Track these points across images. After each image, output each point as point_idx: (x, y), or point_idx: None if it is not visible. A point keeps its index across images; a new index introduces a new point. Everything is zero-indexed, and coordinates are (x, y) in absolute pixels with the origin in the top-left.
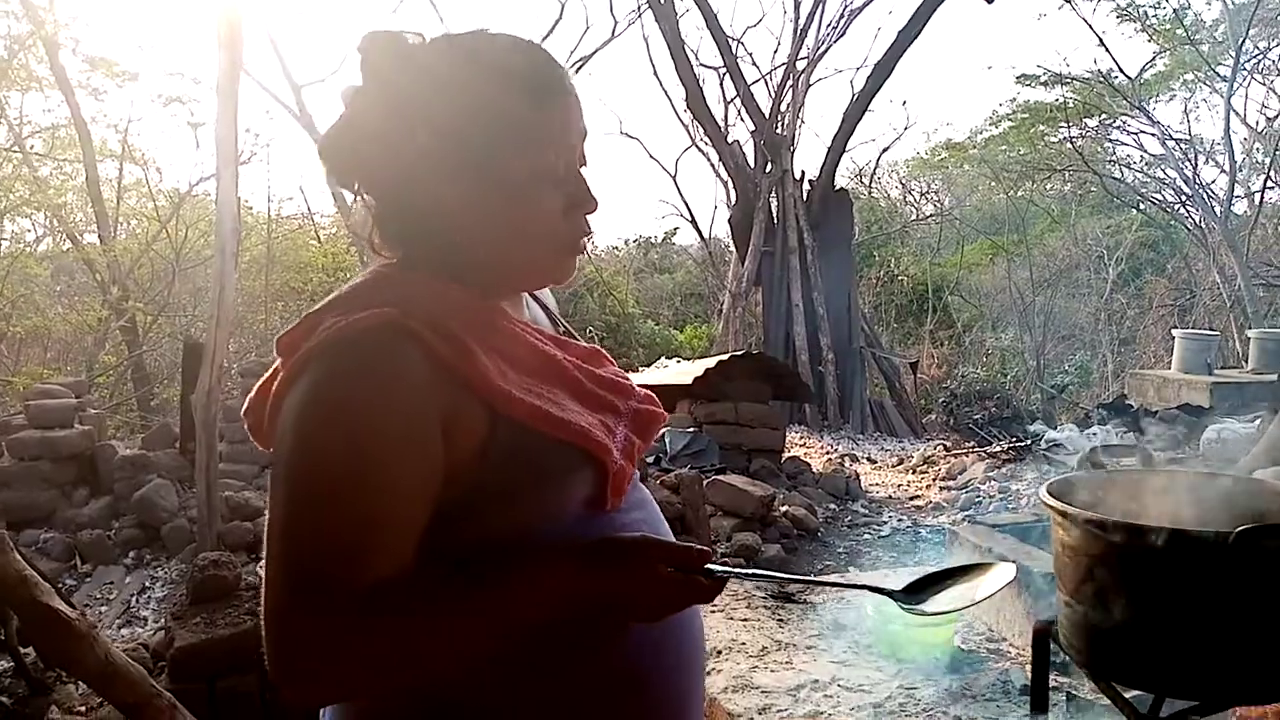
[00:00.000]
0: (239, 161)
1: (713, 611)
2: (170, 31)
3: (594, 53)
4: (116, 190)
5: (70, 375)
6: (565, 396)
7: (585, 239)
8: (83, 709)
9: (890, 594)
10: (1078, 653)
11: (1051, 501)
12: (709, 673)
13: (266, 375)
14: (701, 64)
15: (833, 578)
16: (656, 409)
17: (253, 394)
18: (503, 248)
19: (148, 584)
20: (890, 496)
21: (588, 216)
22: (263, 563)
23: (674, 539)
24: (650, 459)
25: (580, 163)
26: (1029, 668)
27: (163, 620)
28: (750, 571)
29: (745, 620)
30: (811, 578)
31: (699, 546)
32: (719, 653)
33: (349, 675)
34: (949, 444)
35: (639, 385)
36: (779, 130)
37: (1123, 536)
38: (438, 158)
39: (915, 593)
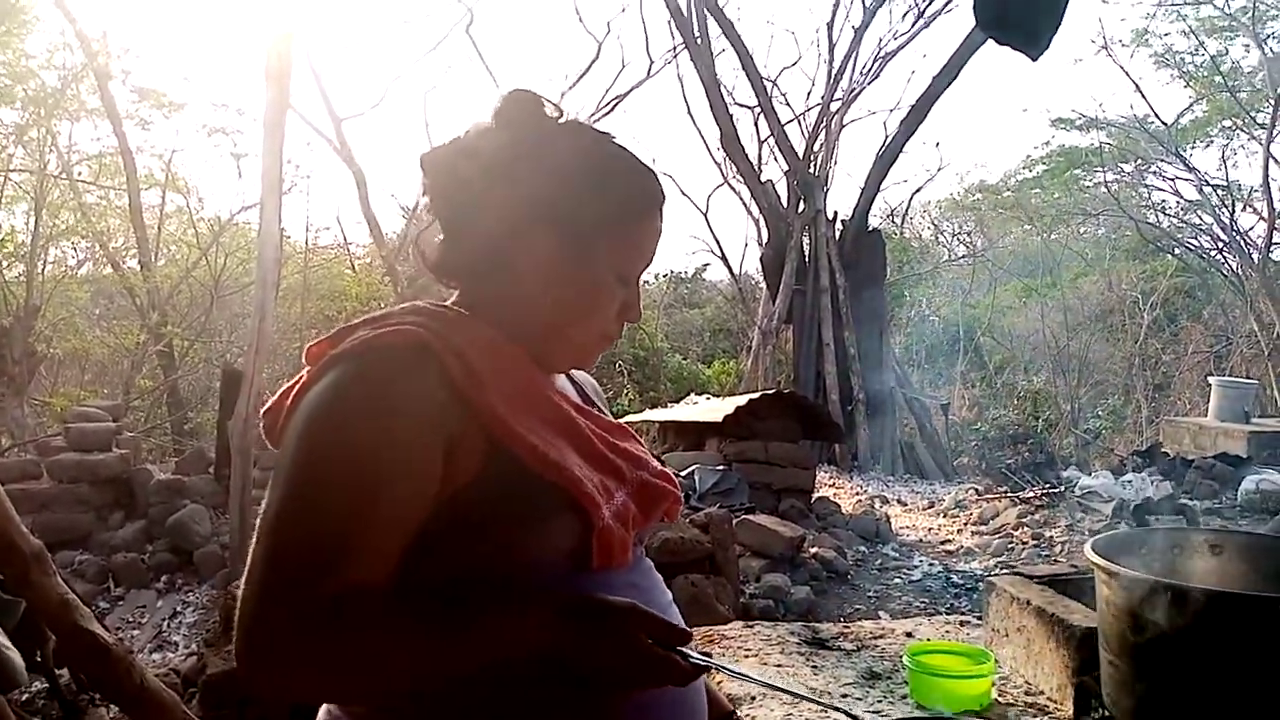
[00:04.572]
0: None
1: (746, 657)
2: (217, 63)
3: (629, 91)
4: (158, 217)
5: (106, 398)
6: (569, 449)
7: (617, 339)
8: None
9: None
10: (1123, 712)
11: (1098, 560)
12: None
13: (291, 382)
14: (736, 103)
15: (808, 693)
16: (668, 487)
17: (274, 398)
18: (557, 322)
19: (179, 609)
20: (921, 540)
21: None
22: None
23: (674, 615)
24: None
25: (640, 277)
26: None
27: (193, 645)
28: (726, 666)
29: (779, 666)
30: (791, 689)
31: (681, 626)
32: (752, 699)
33: (305, 676)
34: (981, 488)
35: (659, 470)
36: (812, 170)
37: (1170, 598)
38: (552, 214)
39: None
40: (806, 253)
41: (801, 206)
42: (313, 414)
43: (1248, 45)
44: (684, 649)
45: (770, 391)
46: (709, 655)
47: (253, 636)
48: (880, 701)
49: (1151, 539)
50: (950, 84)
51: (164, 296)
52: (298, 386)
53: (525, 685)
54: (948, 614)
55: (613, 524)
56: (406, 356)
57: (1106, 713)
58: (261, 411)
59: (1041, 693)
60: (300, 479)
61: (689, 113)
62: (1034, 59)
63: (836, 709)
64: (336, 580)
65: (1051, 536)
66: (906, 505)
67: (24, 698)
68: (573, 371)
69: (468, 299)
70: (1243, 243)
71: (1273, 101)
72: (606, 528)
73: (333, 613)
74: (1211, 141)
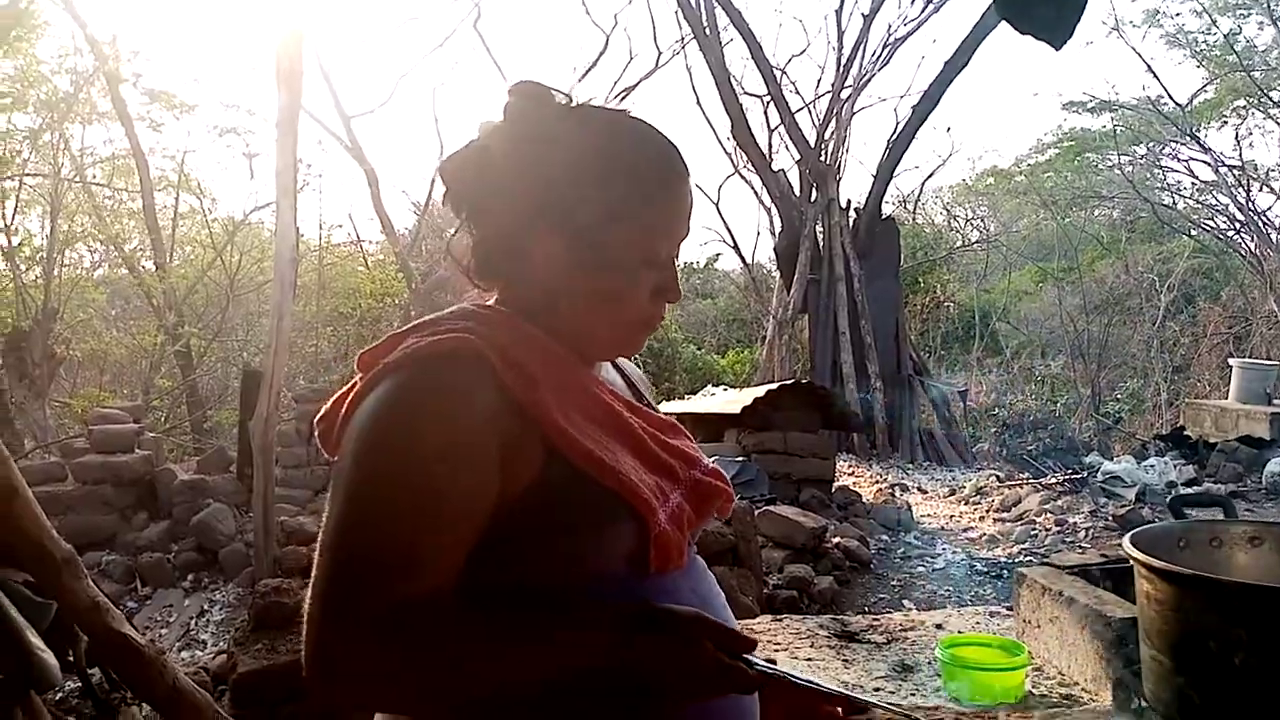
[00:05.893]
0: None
1: (776, 651)
2: (227, 64)
3: (638, 83)
4: (172, 219)
5: (125, 399)
6: (623, 450)
7: (660, 321)
8: None
9: None
10: (1164, 705)
11: (1139, 555)
12: None
13: (345, 389)
14: (746, 92)
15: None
16: (721, 484)
17: (328, 404)
18: (588, 313)
19: (206, 607)
20: (943, 528)
21: (668, 304)
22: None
23: (729, 616)
24: None
25: (676, 255)
26: (1103, 718)
27: (221, 643)
28: (792, 674)
29: (810, 660)
30: (868, 699)
31: (747, 635)
32: None
33: (371, 685)
34: (1002, 474)
35: (710, 468)
36: (824, 158)
37: (1213, 593)
38: (555, 215)
39: None
40: (820, 241)
41: (814, 195)
42: (368, 425)
43: (1261, 23)
44: (748, 656)
45: (788, 382)
46: (773, 661)
47: (318, 647)
48: (914, 695)
49: (1190, 532)
50: (962, 69)
51: (180, 297)
52: (351, 395)
53: (587, 693)
54: (976, 604)
55: (668, 527)
56: (458, 363)
57: (1146, 705)
58: (315, 419)
59: (1076, 683)
60: (359, 490)
61: (698, 103)
62: (1057, 48)
63: (904, 712)
64: (400, 589)
65: (1075, 522)
66: (927, 493)
67: (58, 697)
68: (621, 362)
69: (508, 299)
70: (1260, 223)
71: None
72: (663, 532)
73: (398, 622)
74: (1226, 121)
